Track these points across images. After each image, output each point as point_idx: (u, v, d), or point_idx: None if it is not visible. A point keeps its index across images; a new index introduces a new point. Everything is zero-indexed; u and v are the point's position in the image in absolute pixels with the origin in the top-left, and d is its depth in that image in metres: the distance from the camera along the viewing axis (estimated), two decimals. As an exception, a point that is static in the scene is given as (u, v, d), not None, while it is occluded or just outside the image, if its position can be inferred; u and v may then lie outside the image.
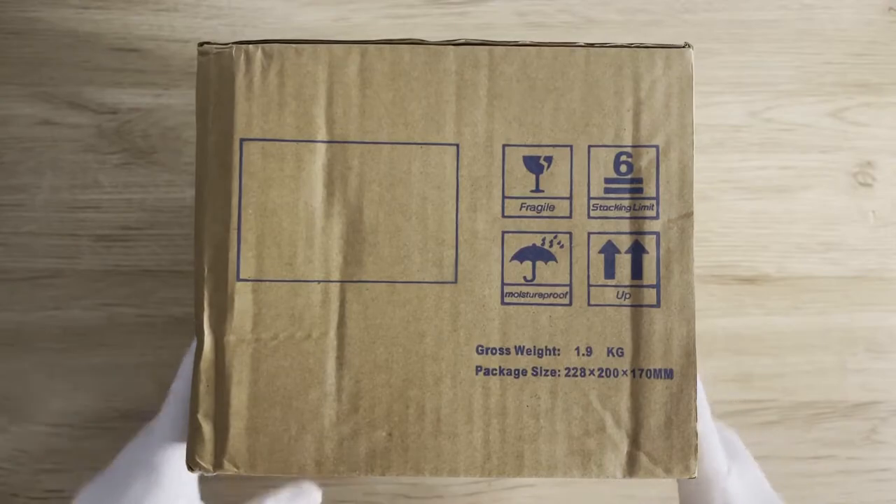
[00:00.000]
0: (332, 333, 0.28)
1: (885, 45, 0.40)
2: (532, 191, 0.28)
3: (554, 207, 0.28)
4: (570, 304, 0.28)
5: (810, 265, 0.39)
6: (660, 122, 0.28)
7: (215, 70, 0.28)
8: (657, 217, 0.28)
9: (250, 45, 0.28)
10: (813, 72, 0.40)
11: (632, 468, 0.28)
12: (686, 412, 0.28)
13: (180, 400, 0.30)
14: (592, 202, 0.28)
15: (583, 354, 0.28)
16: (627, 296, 0.28)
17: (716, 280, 0.39)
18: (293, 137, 0.28)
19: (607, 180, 0.28)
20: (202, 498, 0.32)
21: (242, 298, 0.28)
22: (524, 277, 0.28)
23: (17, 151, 0.38)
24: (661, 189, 0.28)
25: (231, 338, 0.28)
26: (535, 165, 0.28)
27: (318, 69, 0.28)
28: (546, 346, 0.28)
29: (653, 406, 0.28)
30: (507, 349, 0.28)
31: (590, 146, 0.28)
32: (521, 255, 0.28)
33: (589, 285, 0.28)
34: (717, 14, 0.40)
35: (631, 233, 0.28)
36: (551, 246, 0.28)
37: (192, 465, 0.28)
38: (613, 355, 0.28)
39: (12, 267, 0.38)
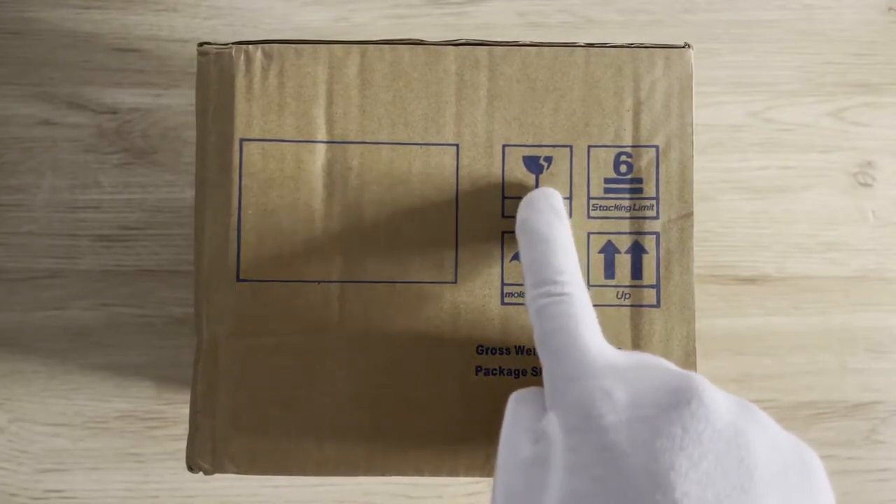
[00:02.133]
0: (333, 334, 0.28)
1: (885, 45, 0.40)
2: (532, 191, 0.28)
3: (554, 208, 0.28)
4: (570, 304, 0.28)
5: (810, 265, 0.39)
6: (660, 123, 0.28)
7: (215, 70, 0.28)
8: (657, 217, 0.28)
9: (250, 46, 0.28)
10: (813, 72, 0.40)
11: (632, 468, 0.28)
12: (686, 412, 0.28)
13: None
14: (592, 202, 0.28)
15: (583, 355, 0.28)
16: (627, 296, 0.28)
17: (716, 280, 0.39)
18: (293, 138, 0.28)
19: (607, 180, 0.28)
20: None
21: (242, 299, 0.28)
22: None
23: (17, 151, 0.38)
24: (661, 189, 0.28)
25: (231, 338, 0.28)
26: (534, 165, 0.28)
27: (318, 69, 0.28)
28: (546, 347, 0.28)
29: (653, 406, 0.28)
30: (508, 349, 0.28)
31: (590, 146, 0.28)
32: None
33: (589, 285, 0.28)
34: (717, 14, 0.40)
35: (631, 233, 0.28)
36: (551, 246, 0.28)
37: (191, 465, 0.28)
38: (613, 355, 0.28)
39: (12, 267, 0.38)
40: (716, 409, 0.20)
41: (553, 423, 0.22)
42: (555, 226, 0.25)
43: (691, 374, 0.21)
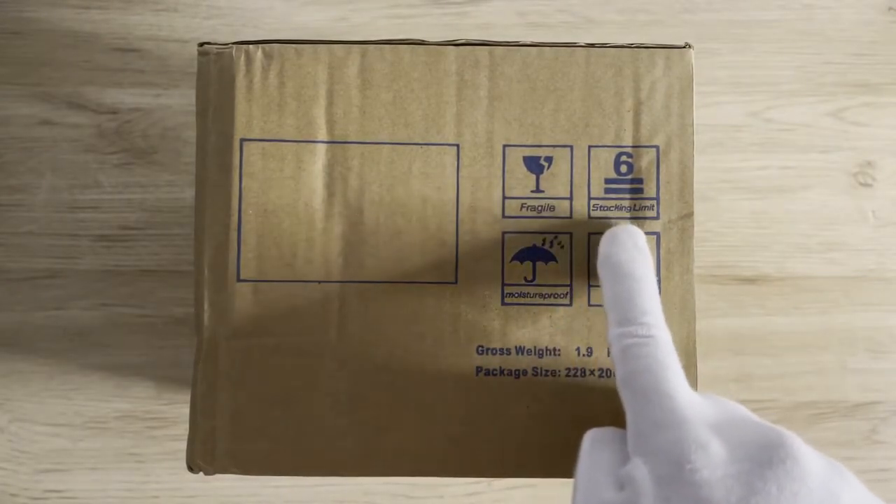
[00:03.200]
0: (333, 334, 0.28)
1: (885, 45, 0.40)
2: (532, 191, 0.28)
3: (554, 208, 0.28)
4: (571, 304, 0.28)
5: (810, 265, 0.39)
6: (660, 123, 0.28)
7: (215, 70, 0.28)
8: (657, 217, 0.28)
9: (250, 46, 0.28)
10: (813, 72, 0.40)
11: (632, 468, 0.28)
12: (686, 412, 0.28)
13: None
14: (593, 202, 0.28)
15: (583, 355, 0.28)
16: (628, 296, 0.28)
17: (716, 280, 0.39)
18: (293, 138, 0.28)
19: (608, 181, 0.28)
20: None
21: (243, 299, 0.28)
22: (524, 278, 0.28)
23: (17, 151, 0.38)
24: (661, 189, 0.28)
25: (231, 338, 0.28)
26: (535, 166, 0.28)
27: (319, 69, 0.28)
28: (546, 347, 0.28)
29: (653, 406, 0.28)
30: (508, 350, 0.28)
31: (590, 146, 0.28)
32: (521, 256, 0.28)
33: (589, 286, 0.28)
34: (717, 14, 0.40)
35: (631, 233, 0.28)
36: (552, 246, 0.28)
37: (191, 465, 0.28)
38: (614, 356, 0.28)
39: (12, 267, 0.38)
40: (809, 468, 0.20)
41: (640, 470, 0.21)
42: (639, 262, 0.25)
43: (781, 429, 0.22)
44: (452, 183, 0.28)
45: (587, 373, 0.28)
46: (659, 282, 0.28)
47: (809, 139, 0.39)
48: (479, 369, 0.28)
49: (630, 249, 0.26)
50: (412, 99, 0.28)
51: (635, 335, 0.24)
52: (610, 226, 0.28)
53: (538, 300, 0.28)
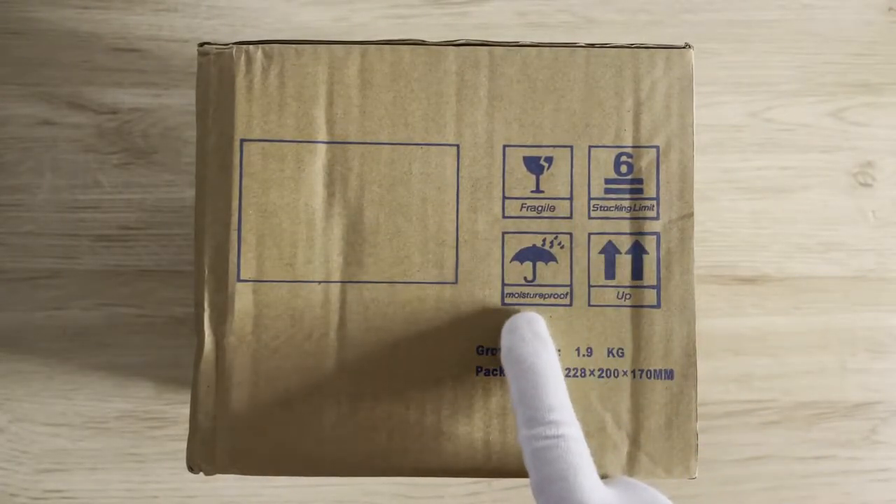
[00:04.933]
0: (333, 334, 0.28)
1: (885, 45, 0.40)
2: (532, 191, 0.28)
3: (554, 208, 0.28)
4: (571, 304, 0.28)
5: (810, 265, 0.39)
6: (660, 123, 0.28)
7: (215, 70, 0.28)
8: (657, 218, 0.28)
9: (250, 46, 0.28)
10: (813, 72, 0.40)
11: (631, 468, 0.28)
12: (686, 413, 0.28)
13: None
14: (593, 203, 0.28)
15: (583, 355, 0.28)
16: (628, 296, 0.28)
17: (716, 280, 0.39)
18: (293, 138, 0.28)
19: (608, 181, 0.28)
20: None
21: (243, 299, 0.28)
22: (524, 278, 0.28)
23: (17, 151, 0.38)
24: (661, 189, 0.28)
25: (231, 339, 0.28)
26: (535, 166, 0.28)
27: (319, 70, 0.28)
28: (546, 347, 0.28)
29: (653, 407, 0.28)
30: (508, 350, 0.28)
31: (590, 147, 0.28)
32: (521, 256, 0.28)
33: (589, 286, 0.28)
34: (717, 14, 0.40)
35: (631, 233, 0.28)
36: (552, 246, 0.28)
37: (191, 465, 0.28)
38: (614, 356, 0.28)
39: (12, 267, 0.38)
40: None
41: None
42: (542, 355, 0.25)
43: None
44: (452, 183, 0.28)
45: (587, 373, 0.28)
46: (659, 281, 0.28)
47: (809, 139, 0.39)
48: (479, 369, 0.28)
49: (530, 341, 0.26)
50: (412, 99, 0.28)
51: (544, 436, 0.24)
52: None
53: (538, 300, 0.28)
